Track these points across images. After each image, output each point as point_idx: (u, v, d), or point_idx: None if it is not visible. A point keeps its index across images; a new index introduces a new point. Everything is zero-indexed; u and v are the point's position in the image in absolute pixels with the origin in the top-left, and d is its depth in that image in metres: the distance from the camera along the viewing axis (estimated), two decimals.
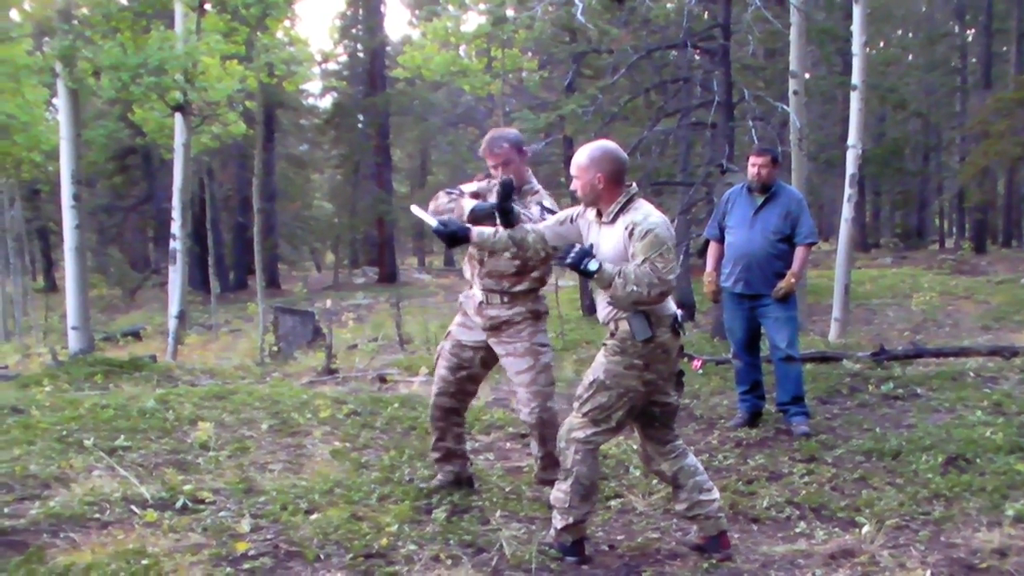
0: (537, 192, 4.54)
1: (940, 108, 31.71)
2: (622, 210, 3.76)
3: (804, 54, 12.18)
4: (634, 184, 3.87)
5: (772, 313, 6.24)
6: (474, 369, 4.68)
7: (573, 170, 3.85)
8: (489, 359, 4.67)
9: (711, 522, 3.92)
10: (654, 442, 3.98)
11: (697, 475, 3.98)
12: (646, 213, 3.71)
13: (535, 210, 4.35)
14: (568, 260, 3.72)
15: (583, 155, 3.83)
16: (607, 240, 3.78)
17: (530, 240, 3.98)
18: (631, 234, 3.66)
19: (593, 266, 3.67)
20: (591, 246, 3.81)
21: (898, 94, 23.19)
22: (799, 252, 6.23)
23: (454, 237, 3.98)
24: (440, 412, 4.70)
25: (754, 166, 6.28)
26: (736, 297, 6.38)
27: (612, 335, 3.80)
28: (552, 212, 4.33)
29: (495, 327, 4.54)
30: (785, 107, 11.72)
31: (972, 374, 7.78)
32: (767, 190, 6.30)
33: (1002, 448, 5.31)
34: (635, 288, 3.60)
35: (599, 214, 3.85)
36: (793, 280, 6.17)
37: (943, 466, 5.09)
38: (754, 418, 6.43)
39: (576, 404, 3.87)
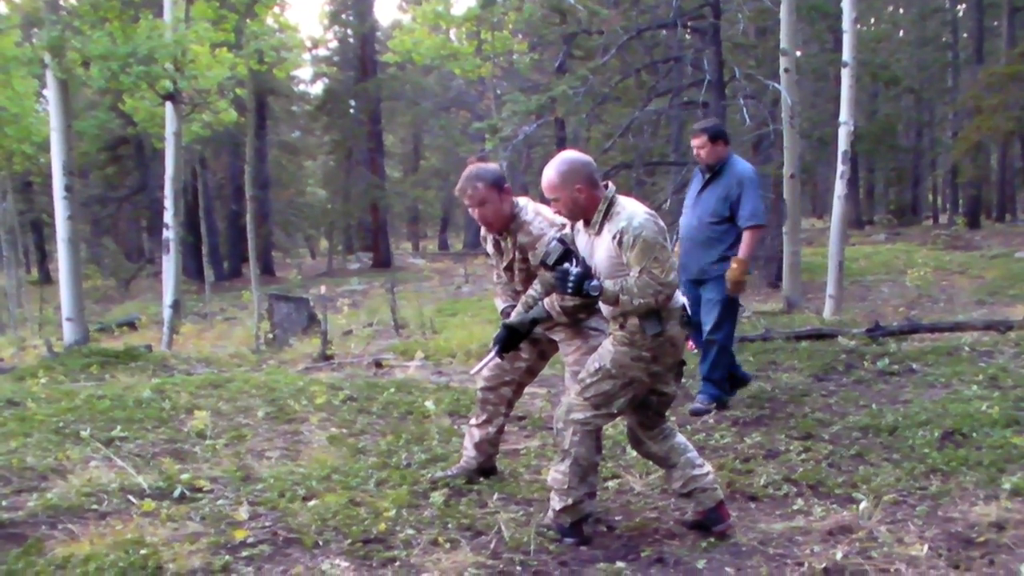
0: (528, 222, 4.23)
1: (932, 84, 31.66)
2: (605, 217, 3.71)
3: (795, 31, 12.14)
4: (610, 185, 3.81)
5: (705, 295, 6.13)
6: (531, 360, 4.62)
7: (549, 192, 3.77)
8: (547, 351, 4.61)
9: (707, 494, 3.92)
10: (644, 427, 3.98)
11: (687, 452, 3.98)
12: (629, 216, 3.63)
13: (552, 233, 4.10)
14: (568, 289, 3.68)
15: (552, 174, 3.75)
16: (599, 250, 3.73)
17: (548, 293, 4.07)
18: (620, 243, 3.61)
19: (595, 290, 3.64)
20: (584, 261, 3.77)
21: (890, 70, 23.18)
22: (744, 236, 5.97)
23: (515, 337, 4.16)
24: (496, 397, 4.64)
25: (693, 146, 6.15)
26: (686, 283, 6.15)
27: (621, 327, 3.76)
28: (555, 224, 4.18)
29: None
30: (776, 85, 11.71)
31: (967, 349, 7.79)
32: (712, 169, 6.11)
33: (998, 422, 5.33)
34: (642, 300, 3.58)
35: (586, 223, 3.82)
36: (736, 267, 5.93)
37: (939, 441, 5.11)
38: (736, 389, 6.44)
39: (578, 387, 3.84)
